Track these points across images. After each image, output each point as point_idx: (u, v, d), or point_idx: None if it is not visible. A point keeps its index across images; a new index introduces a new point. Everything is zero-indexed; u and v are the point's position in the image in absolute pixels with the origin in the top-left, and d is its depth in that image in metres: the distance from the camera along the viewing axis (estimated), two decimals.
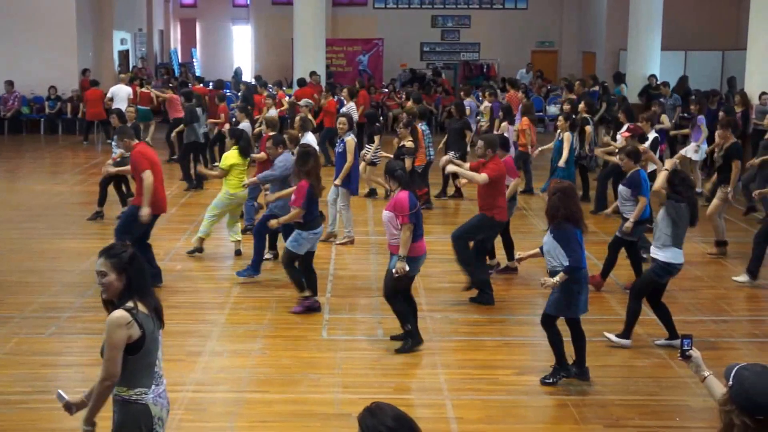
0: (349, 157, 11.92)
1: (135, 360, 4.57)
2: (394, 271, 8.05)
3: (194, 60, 33.39)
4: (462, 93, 20.54)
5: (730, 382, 3.65)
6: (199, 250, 11.50)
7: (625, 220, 9.88)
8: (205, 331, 8.75)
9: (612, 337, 8.47)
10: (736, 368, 3.69)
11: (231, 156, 11.23)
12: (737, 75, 21.87)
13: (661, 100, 19.69)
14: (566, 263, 7.28)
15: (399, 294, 8.23)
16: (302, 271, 9.39)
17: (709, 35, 27.69)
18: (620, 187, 10.13)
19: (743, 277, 10.57)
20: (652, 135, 12.94)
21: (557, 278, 7.29)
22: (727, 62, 26.86)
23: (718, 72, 27.00)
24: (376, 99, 23.13)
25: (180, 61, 33.24)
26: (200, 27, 34.49)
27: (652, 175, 10.60)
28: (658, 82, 22.28)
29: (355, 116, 17.74)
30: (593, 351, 8.37)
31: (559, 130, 13.86)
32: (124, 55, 28.55)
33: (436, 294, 10.12)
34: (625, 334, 8.47)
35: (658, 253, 8.22)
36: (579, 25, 31.60)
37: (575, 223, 7.39)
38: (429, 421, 6.65)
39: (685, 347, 4.40)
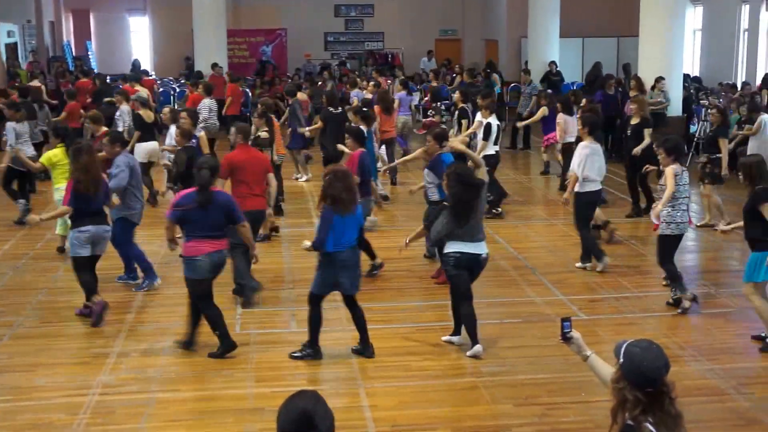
0: (205, 152, 11.98)
1: None
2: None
3: (89, 53, 32.45)
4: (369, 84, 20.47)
5: (621, 360, 3.76)
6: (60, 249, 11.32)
7: (433, 203, 9.85)
8: (112, 331, 8.59)
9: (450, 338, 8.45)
10: (624, 345, 3.80)
11: (53, 154, 10.90)
12: (632, 61, 22.47)
13: (521, 87, 20.33)
14: None
15: (206, 298, 8.03)
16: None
17: (605, 22, 28.39)
18: (425, 170, 10.23)
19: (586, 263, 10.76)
20: (486, 121, 13.17)
21: (308, 243, 7.79)
22: (622, 48, 27.59)
23: (614, 58, 27.72)
24: (280, 90, 22.86)
25: (74, 54, 32.25)
26: (94, 18, 33.34)
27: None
28: (523, 69, 22.73)
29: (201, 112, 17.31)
30: (503, 332, 8.58)
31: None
32: (12, 48, 27.54)
33: None
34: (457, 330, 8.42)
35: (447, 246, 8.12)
36: (481, 13, 31.97)
37: (339, 207, 7.57)
38: (343, 411, 6.67)
39: (566, 329, 4.44)
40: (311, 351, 7.94)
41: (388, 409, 6.97)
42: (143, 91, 18.57)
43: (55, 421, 6.79)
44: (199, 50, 23.93)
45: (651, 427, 3.65)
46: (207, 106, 17.23)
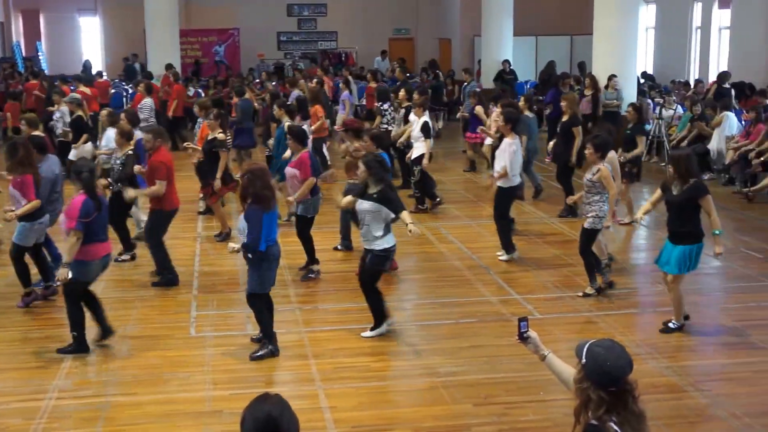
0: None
1: None
2: (57, 277, 8.29)
3: (39, 54, 31.87)
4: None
5: (584, 360, 3.76)
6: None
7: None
8: (67, 335, 8.43)
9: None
10: (587, 345, 3.81)
11: None
12: (585, 59, 22.68)
13: (466, 85, 20.44)
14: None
15: (77, 298, 8.00)
16: (35, 262, 9.44)
17: (558, 21, 28.62)
18: None
19: (504, 256, 11.02)
20: (423, 119, 13.38)
21: (234, 245, 7.83)
22: (576, 47, 27.84)
23: (567, 56, 27.97)
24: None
25: (24, 55, 31.65)
26: (44, 19, 32.69)
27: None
28: (464, 69, 22.81)
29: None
30: (460, 332, 8.59)
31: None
32: None
33: (304, 285, 10.11)
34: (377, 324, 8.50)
35: (375, 244, 8.28)
36: (434, 12, 32.02)
37: (263, 204, 7.65)
38: (302, 412, 6.45)
39: (523, 329, 4.44)
40: (273, 347, 7.94)
41: (347, 410, 6.94)
42: (91, 92, 18.30)
43: (11, 426, 6.68)
44: (151, 51, 23.66)
45: (615, 427, 3.67)
46: (148, 106, 17.11)
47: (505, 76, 23.89)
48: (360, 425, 6.70)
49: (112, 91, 23.63)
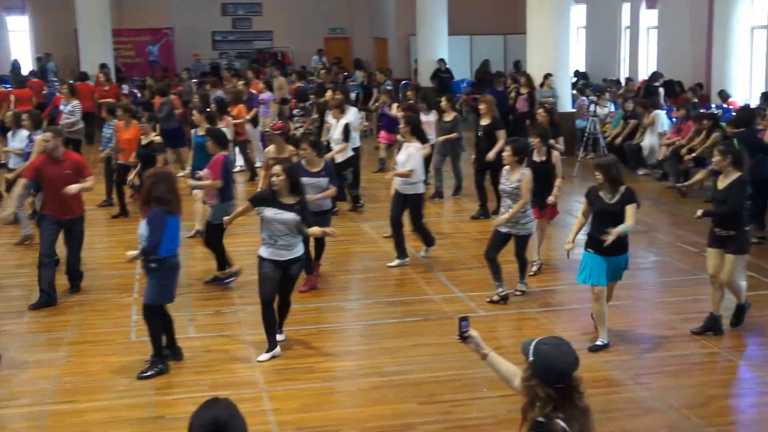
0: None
1: None
2: None
3: None
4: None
5: (531, 357, 3.78)
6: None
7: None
8: (2, 342, 8.24)
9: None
10: (534, 343, 3.82)
11: None
12: (520, 58, 22.92)
13: (380, 84, 20.50)
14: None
15: None
16: None
17: (492, 20, 28.85)
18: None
19: (395, 261, 10.74)
20: (343, 121, 13.10)
21: (133, 252, 7.44)
22: (510, 46, 28.11)
23: (501, 55, 28.23)
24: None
25: None
26: None
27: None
28: (378, 69, 22.95)
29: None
30: (404, 332, 8.59)
31: None
32: None
33: (249, 286, 10.00)
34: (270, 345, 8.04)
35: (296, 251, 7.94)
36: (369, 11, 32.05)
37: (167, 207, 7.42)
38: (246, 416, 6.45)
39: (463, 329, 4.41)
40: (162, 366, 7.58)
41: (291, 412, 6.89)
42: None
43: None
44: (84, 50, 23.22)
45: (562, 423, 3.68)
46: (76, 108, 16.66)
47: (442, 75, 24.02)
48: (304, 427, 6.66)
49: (45, 91, 23.18)
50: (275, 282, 7.83)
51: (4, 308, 9.40)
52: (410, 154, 10.53)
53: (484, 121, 13.17)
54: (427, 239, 11.04)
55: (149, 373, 7.50)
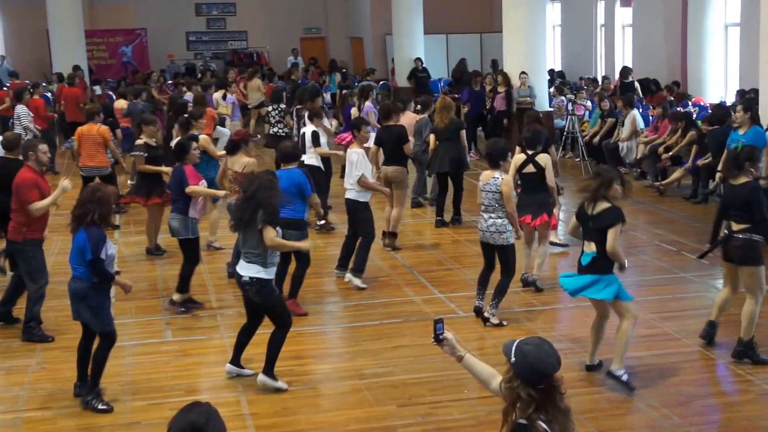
0: None
1: None
2: None
3: None
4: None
5: (513, 358, 3.76)
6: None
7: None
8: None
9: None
10: (515, 344, 3.80)
11: None
12: (496, 56, 22.91)
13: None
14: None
15: None
16: None
17: (468, 18, 28.84)
18: None
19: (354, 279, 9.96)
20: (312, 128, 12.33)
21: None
22: (486, 44, 28.11)
23: (478, 53, 28.21)
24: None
25: None
26: None
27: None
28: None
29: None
30: (384, 333, 8.55)
31: None
32: None
33: (226, 289, 9.91)
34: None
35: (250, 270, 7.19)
36: (345, 10, 31.94)
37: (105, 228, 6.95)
38: (224, 420, 6.45)
39: (438, 331, 4.37)
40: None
41: (270, 416, 6.82)
42: None
43: None
44: (56, 51, 22.95)
45: (544, 425, 3.67)
46: (23, 112, 15.75)
47: (419, 74, 23.97)
48: (283, 431, 6.58)
49: None
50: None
51: None
52: (358, 162, 9.88)
53: (443, 125, 12.62)
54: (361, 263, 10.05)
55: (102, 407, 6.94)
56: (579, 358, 7.76)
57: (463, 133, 12.85)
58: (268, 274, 7.10)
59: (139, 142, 11.33)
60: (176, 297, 9.18)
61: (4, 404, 7.09)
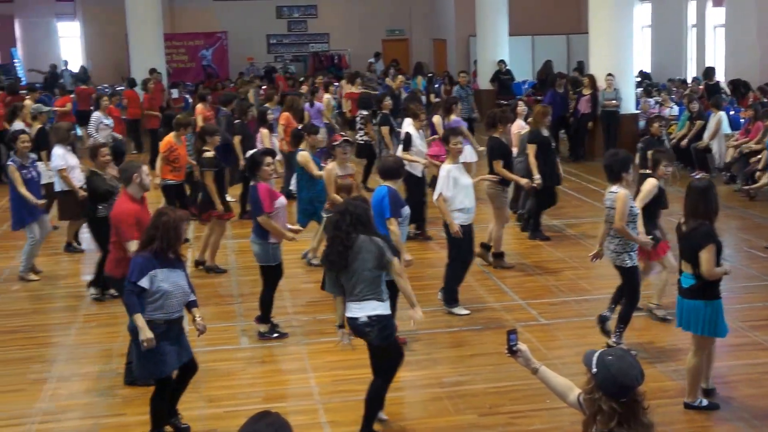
0: None
1: None
2: None
3: (15, 61, 31.29)
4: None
5: (594, 369, 3.65)
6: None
7: None
8: (50, 354, 8.20)
9: None
10: (597, 354, 3.69)
11: None
12: (583, 58, 22.54)
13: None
14: None
15: None
16: None
17: (555, 20, 28.39)
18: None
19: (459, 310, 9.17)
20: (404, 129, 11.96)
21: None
22: (572, 46, 27.66)
23: (564, 55, 27.78)
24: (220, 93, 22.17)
25: None
26: (19, 24, 31.80)
27: None
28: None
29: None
30: (463, 341, 8.42)
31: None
32: None
33: (302, 295, 9.84)
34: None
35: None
36: (428, 12, 31.80)
37: None
38: (302, 428, 6.40)
39: (512, 342, 4.29)
40: None
41: (348, 424, 6.67)
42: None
43: None
44: (134, 55, 23.21)
45: None
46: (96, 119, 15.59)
47: (502, 77, 23.66)
48: None
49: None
50: None
51: (52, 320, 9.37)
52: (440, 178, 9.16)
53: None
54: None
55: None
56: (665, 367, 7.57)
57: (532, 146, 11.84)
58: (386, 307, 6.32)
59: (208, 154, 10.58)
60: (263, 329, 8.55)
61: (82, 410, 7.11)
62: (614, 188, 7.71)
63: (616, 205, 7.61)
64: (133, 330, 6.10)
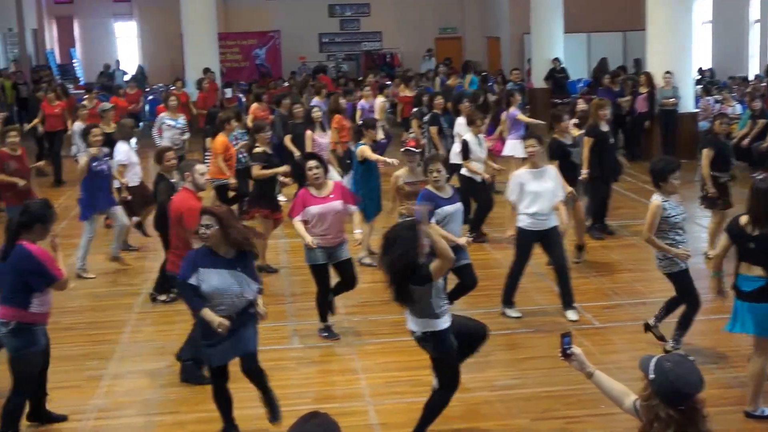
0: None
1: None
2: None
3: (74, 61, 31.76)
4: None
5: (652, 375, 3.57)
6: None
7: None
8: (106, 351, 8.29)
9: None
10: (654, 360, 3.61)
11: None
12: (639, 55, 22.21)
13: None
14: None
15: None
16: None
17: (611, 16, 27.96)
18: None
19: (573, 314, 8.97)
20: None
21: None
22: (629, 43, 27.26)
23: (621, 53, 27.40)
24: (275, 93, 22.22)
25: (59, 62, 31.47)
26: (78, 25, 32.52)
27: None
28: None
29: None
30: (516, 344, 8.34)
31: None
32: None
33: (354, 295, 9.78)
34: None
35: None
36: (482, 9, 31.60)
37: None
38: (352, 430, 6.39)
39: (566, 345, 4.24)
40: None
41: (399, 427, 6.65)
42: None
43: None
44: (189, 54, 23.43)
45: None
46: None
47: (556, 75, 23.40)
48: None
49: (150, 97, 23.40)
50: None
51: (108, 317, 9.45)
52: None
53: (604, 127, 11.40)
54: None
55: None
56: (725, 373, 7.44)
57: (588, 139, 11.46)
58: (441, 323, 6.17)
59: (257, 150, 10.56)
60: (321, 326, 8.60)
61: (137, 407, 7.17)
62: (654, 196, 7.55)
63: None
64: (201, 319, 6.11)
